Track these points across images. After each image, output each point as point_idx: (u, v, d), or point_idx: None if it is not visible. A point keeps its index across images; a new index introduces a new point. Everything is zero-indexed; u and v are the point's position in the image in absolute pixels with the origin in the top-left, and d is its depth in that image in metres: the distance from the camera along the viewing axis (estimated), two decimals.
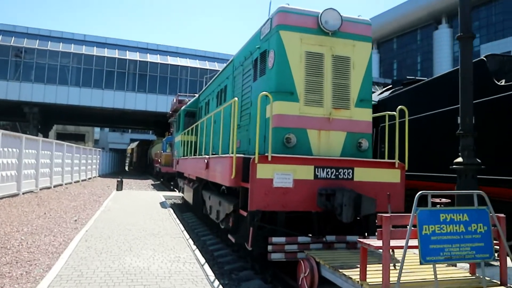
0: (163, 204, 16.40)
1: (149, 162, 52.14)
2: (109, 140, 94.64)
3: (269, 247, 6.82)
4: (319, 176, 7.12)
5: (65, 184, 25.16)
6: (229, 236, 7.51)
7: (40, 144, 20.31)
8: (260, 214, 6.71)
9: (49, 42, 46.83)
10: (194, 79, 53.04)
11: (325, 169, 7.18)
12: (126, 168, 78.02)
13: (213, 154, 10.04)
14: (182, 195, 17.47)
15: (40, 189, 20.09)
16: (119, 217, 12.40)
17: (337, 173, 7.26)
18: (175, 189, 24.34)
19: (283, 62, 7.49)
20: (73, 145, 28.42)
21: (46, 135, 53.00)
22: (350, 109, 7.83)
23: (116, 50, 49.96)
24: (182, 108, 17.30)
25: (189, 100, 25.53)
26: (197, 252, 8.09)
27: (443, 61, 67.57)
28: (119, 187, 21.85)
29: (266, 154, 6.78)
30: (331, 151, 7.63)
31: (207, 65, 54.82)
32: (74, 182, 27.82)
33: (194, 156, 12.69)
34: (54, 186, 22.56)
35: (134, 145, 74.20)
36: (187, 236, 9.68)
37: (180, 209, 17.09)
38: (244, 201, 7.18)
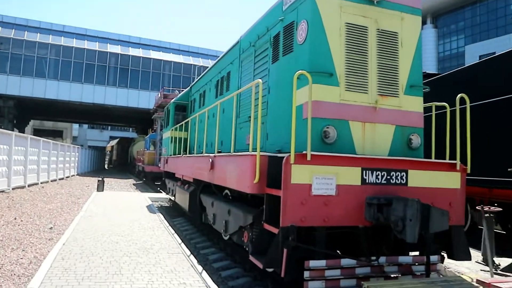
0: (150, 208, 14.64)
1: (130, 161, 49.98)
2: (88, 137, 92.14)
3: (306, 273, 5.20)
4: (367, 181, 5.55)
5: (41, 183, 23.08)
6: (252, 259, 5.86)
7: (13, 139, 18.25)
8: (295, 231, 5.08)
9: (26, 32, 44.31)
10: (178, 74, 51.14)
11: (375, 172, 5.61)
12: (106, 166, 75.48)
13: (218, 152, 8.39)
14: (171, 197, 15.73)
15: (13, 189, 18.04)
16: (103, 224, 10.63)
17: (388, 177, 5.70)
18: (161, 191, 22.54)
19: (319, 35, 5.88)
20: (50, 141, 26.30)
21: (22, 131, 50.28)
22: (399, 96, 6.29)
23: (97, 42, 47.74)
24: (172, 101, 15.55)
25: (177, 94, 23.79)
26: (205, 275, 6.41)
27: (428, 60, 66.75)
28: (100, 187, 19.96)
29: (304, 152, 5.15)
30: (377, 149, 6.06)
31: (191, 60, 52.98)
32: (51, 181, 25.72)
33: (190, 155, 10.98)
34: (29, 185, 20.49)
35: (114, 142, 71.76)
36: (187, 251, 7.98)
37: (169, 213, 15.34)
38: (270, 212, 5.57)
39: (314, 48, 5.86)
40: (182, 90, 18.34)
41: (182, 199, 11.57)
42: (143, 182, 33.00)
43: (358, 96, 5.99)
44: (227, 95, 9.60)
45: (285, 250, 5.05)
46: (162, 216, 12.58)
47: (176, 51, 53.46)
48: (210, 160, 7.98)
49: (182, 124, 13.33)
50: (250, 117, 7.93)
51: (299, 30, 6.21)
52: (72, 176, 34.47)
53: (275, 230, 5.26)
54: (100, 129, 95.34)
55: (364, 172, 5.52)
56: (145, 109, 47.05)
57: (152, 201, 17.52)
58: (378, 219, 5.39)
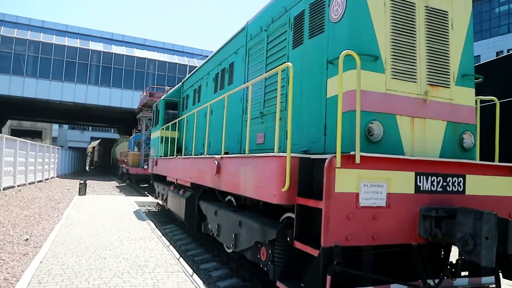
0: (138, 214, 13.41)
1: (112, 162, 48.28)
2: (68, 138, 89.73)
3: None
4: (421, 189, 4.51)
5: (18, 186, 21.57)
6: (281, 286, 4.74)
7: None
8: (340, 253, 3.99)
9: (2, 27, 42.31)
10: (162, 73, 49.61)
11: (430, 178, 4.57)
12: (87, 168, 73.43)
13: (225, 153, 7.27)
14: (160, 202, 14.53)
15: None
16: (87, 235, 9.40)
17: (444, 183, 4.67)
18: (149, 195, 21.24)
19: (360, 10, 4.83)
20: (28, 142, 24.76)
21: None
22: (450, 87, 5.28)
23: (78, 39, 45.98)
24: (162, 98, 14.34)
25: (164, 92, 22.57)
26: None
27: None
28: (82, 190, 18.59)
29: (352, 153, 4.08)
30: (428, 149, 5.04)
31: (176, 59, 51.54)
32: (29, 184, 24.18)
33: (187, 156, 9.81)
34: (4, 189, 19.02)
35: (95, 143, 69.79)
36: (189, 269, 6.83)
37: (159, 219, 14.13)
38: (301, 227, 4.49)
39: (355, 26, 4.79)
40: (171, 88, 17.12)
41: (176, 205, 10.39)
42: (127, 184, 31.55)
43: (405, 85, 4.94)
44: (230, 89, 8.50)
45: (328, 277, 3.96)
46: (152, 224, 11.38)
47: (161, 49, 51.96)
48: (216, 162, 6.84)
49: (176, 123, 12.16)
50: (262, 112, 6.88)
51: (333, 5, 5.13)
52: (51, 178, 32.85)
53: (313, 252, 4.16)
54: (81, 130, 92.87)
55: (418, 177, 4.48)
56: (128, 109, 45.46)
57: (139, 206, 16.27)
58: (435, 235, 4.36)
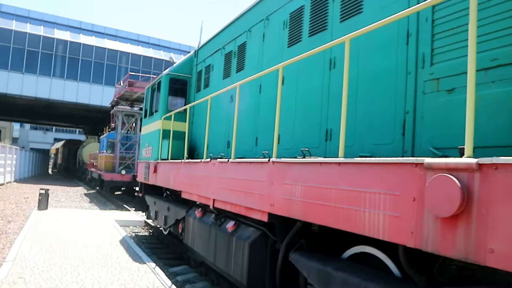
0: (128, 247, 9.07)
1: (79, 165, 43.05)
2: (30, 138, 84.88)
3: None
4: None
5: None
6: None
7: None
8: None
9: None
10: (136, 67, 44.63)
11: None
12: (50, 171, 67.49)
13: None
14: (163, 229, 10.23)
15: None
16: None
17: None
18: (136, 211, 15.84)
19: None
20: None
21: None
22: None
23: (42, 26, 40.82)
24: (165, 73, 9.93)
25: (152, 80, 18.08)
26: None
27: None
28: (43, 203, 13.97)
29: None
30: None
31: (151, 52, 46.99)
32: None
33: (260, 160, 5.30)
34: None
35: (59, 144, 64.10)
36: None
37: (159, 253, 9.78)
38: None
39: None
40: (155, 78, 12.58)
41: (215, 249, 6.05)
42: (97, 191, 26.77)
43: None
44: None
45: None
46: (161, 272, 7.10)
47: (134, 41, 47.24)
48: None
49: (187, 109, 7.93)
50: None
51: None
52: (7, 183, 27.74)
53: None
54: (43, 130, 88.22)
55: None
56: (97, 106, 40.57)
57: (122, 226, 11.91)
58: None
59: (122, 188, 24.23)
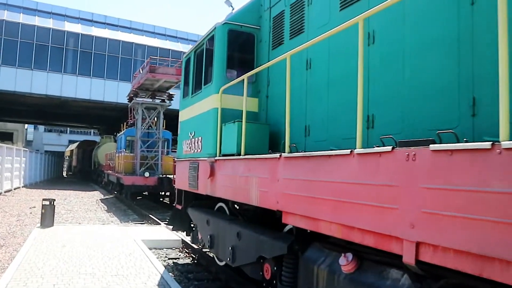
0: None
1: (94, 167, 40.11)
2: (45, 141, 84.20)
3: None
4: None
5: None
6: None
7: None
8: None
9: None
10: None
11: None
12: (64, 174, 65.00)
13: None
14: (220, 263, 6.96)
15: None
16: None
17: None
18: (175, 230, 11.90)
19: None
20: None
21: None
22: None
23: (51, 19, 38.03)
24: (222, 23, 6.52)
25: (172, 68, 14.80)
26: None
27: None
28: (47, 219, 10.71)
29: None
30: None
31: (168, 44, 43.85)
32: None
33: None
34: None
35: (73, 146, 61.48)
36: None
37: None
38: None
39: None
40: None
41: None
42: (115, 196, 23.63)
43: None
44: None
45: None
46: None
47: (150, 33, 44.20)
48: None
49: (267, 73, 4.61)
50: None
51: None
52: (15, 189, 24.83)
53: None
54: (58, 133, 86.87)
55: None
56: (112, 103, 37.57)
57: (151, 248, 8.67)
58: None
59: (144, 193, 21.06)
